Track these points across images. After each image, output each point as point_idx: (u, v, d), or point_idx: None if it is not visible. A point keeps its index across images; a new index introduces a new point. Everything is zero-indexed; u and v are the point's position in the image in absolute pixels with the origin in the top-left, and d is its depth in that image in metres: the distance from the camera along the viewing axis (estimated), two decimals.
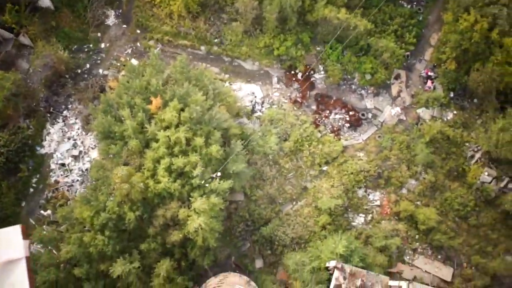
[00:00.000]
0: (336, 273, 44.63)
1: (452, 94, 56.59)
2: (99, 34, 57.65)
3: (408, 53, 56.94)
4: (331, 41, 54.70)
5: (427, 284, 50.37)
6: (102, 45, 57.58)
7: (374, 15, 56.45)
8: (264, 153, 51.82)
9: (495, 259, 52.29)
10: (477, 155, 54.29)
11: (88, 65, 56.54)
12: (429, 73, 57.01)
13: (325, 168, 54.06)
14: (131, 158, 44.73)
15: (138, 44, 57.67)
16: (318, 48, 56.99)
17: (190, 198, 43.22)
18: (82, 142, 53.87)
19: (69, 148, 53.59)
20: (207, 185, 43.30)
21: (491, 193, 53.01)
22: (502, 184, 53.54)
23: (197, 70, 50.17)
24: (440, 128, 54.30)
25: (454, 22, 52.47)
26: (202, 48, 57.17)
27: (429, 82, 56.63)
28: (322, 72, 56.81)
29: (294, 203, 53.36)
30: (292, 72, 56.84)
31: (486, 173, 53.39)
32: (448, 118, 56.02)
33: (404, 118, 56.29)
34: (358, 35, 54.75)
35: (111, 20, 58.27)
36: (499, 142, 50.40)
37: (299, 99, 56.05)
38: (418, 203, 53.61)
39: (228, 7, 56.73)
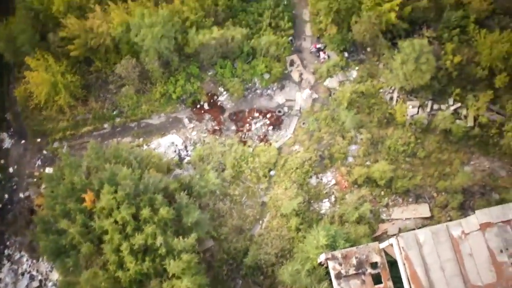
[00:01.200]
0: (330, 264, 49.77)
1: (346, 54, 63.58)
2: (2, 161, 60.20)
3: (290, 38, 63.30)
4: (217, 62, 60.25)
5: (414, 229, 56.27)
6: (11, 170, 60.66)
7: (244, 19, 62.43)
8: (210, 191, 56.71)
9: (456, 175, 58.97)
10: (395, 95, 61.65)
11: (6, 195, 59.17)
12: (318, 46, 63.81)
13: (272, 175, 59.30)
14: (91, 261, 48.11)
15: (44, 152, 61.20)
16: (210, 73, 62.75)
17: (165, 267, 46.95)
18: (37, 271, 56.62)
19: (28, 283, 55.97)
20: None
21: (424, 121, 60.31)
22: (428, 109, 60.88)
23: (111, 148, 54.39)
24: (352, 89, 61.12)
25: None
26: (106, 125, 61.46)
27: (321, 53, 63.48)
28: (225, 93, 62.47)
29: (260, 222, 58.53)
30: (198, 106, 62.20)
31: (410, 106, 60.77)
32: (354, 76, 63.09)
33: (317, 96, 62.79)
34: (239, 44, 60.72)
35: (7, 142, 61.45)
36: (406, 74, 57.47)
37: (216, 127, 61.39)
38: (368, 163, 59.92)
39: (111, 77, 61.28)
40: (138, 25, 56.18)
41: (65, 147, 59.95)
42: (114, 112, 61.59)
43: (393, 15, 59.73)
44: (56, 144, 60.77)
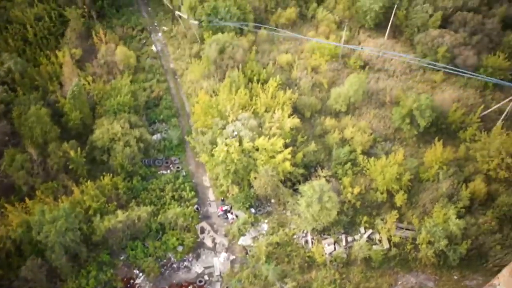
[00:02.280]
0: None
1: (253, 210, 69.88)
2: None
3: (196, 206, 69.39)
4: (127, 244, 64.21)
5: None
6: None
7: (147, 197, 69.05)
8: None
9: None
10: (309, 238, 67.19)
11: None
12: (224, 208, 69.81)
13: None
14: None
15: None
16: (122, 257, 65.83)
17: None
18: None
19: None
20: None
21: (343, 256, 65.89)
22: (343, 243, 66.90)
23: None
24: (266, 242, 66.02)
25: (210, 157, 68.16)
26: None
27: (229, 215, 69.05)
28: (141, 274, 65.03)
29: None
30: None
31: (326, 245, 66.46)
32: (265, 229, 68.34)
33: (234, 257, 66.72)
34: (146, 222, 65.60)
35: None
36: (313, 216, 64.11)
37: None
38: None
39: (15, 282, 61.34)
40: (39, 222, 59.39)
41: None
42: None
43: (287, 164, 67.72)
44: None
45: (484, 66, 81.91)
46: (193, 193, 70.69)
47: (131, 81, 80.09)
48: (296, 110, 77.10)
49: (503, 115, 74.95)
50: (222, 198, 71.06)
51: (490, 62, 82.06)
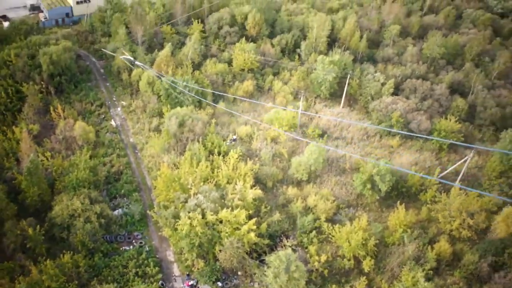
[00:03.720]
0: None
1: (220, 284, 67.43)
2: None
3: (160, 282, 66.68)
4: None
5: None
6: None
7: (110, 274, 65.96)
8: None
9: None
10: None
11: None
12: (190, 283, 67.25)
13: None
14: None
15: None
16: None
17: None
18: None
19: None
20: None
21: None
22: None
23: None
24: None
25: (174, 231, 66.26)
26: None
27: None
28: None
29: None
30: None
31: None
32: None
33: None
34: None
35: None
36: (281, 286, 62.17)
37: None
38: None
39: None
40: None
41: None
42: None
43: (252, 235, 66.52)
44: None
45: (437, 130, 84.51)
46: (157, 268, 68.02)
47: (90, 156, 78.82)
48: (258, 181, 76.84)
49: (459, 175, 76.73)
50: (188, 273, 68.63)
51: (443, 125, 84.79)
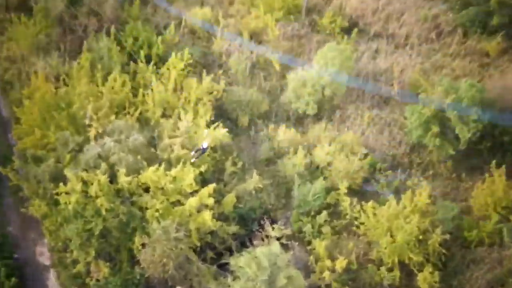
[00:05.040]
0: None
1: None
2: None
3: None
4: None
5: None
6: None
7: None
8: None
9: None
10: None
11: None
12: None
13: None
14: None
15: None
16: None
17: None
18: None
19: None
20: None
21: None
22: None
23: None
24: None
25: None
26: None
27: None
28: None
29: None
30: None
31: None
32: None
33: None
34: None
35: None
36: None
37: None
38: None
39: None
40: None
41: None
42: None
43: (207, 216, 43.85)
44: None
45: None
46: (14, 280, 41.57)
47: None
48: (222, 114, 51.42)
49: None
50: None
51: None
